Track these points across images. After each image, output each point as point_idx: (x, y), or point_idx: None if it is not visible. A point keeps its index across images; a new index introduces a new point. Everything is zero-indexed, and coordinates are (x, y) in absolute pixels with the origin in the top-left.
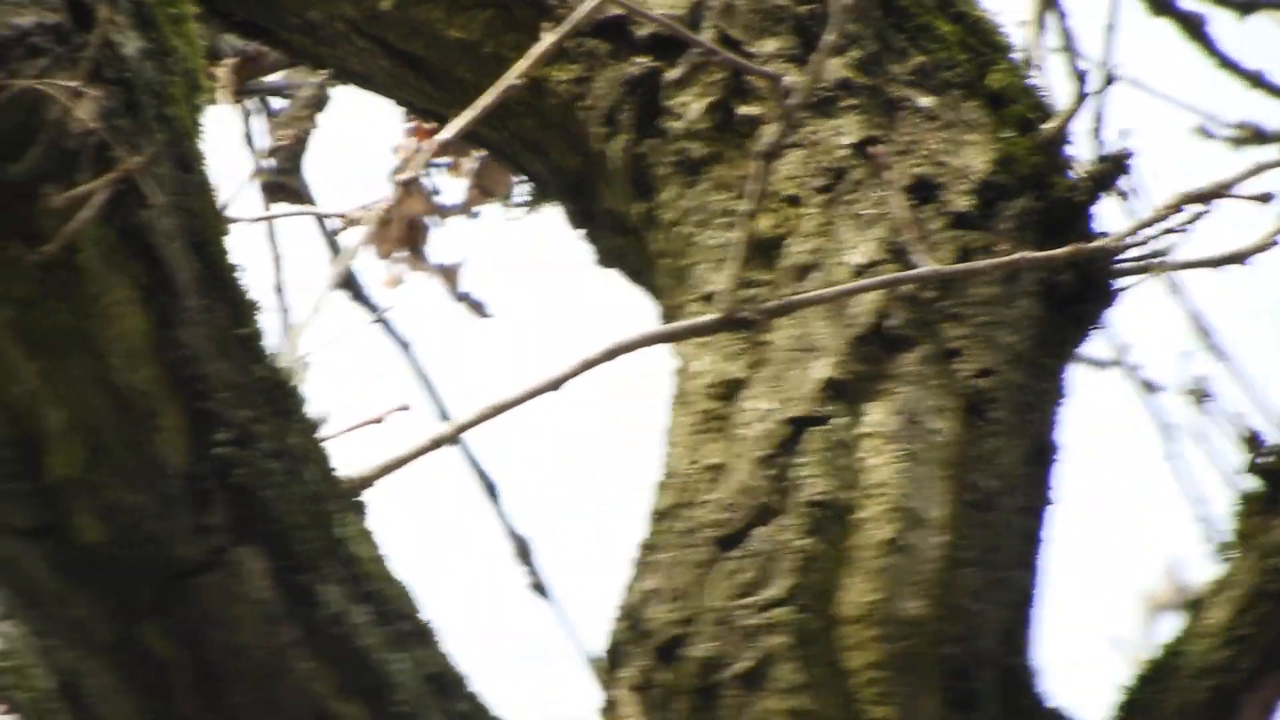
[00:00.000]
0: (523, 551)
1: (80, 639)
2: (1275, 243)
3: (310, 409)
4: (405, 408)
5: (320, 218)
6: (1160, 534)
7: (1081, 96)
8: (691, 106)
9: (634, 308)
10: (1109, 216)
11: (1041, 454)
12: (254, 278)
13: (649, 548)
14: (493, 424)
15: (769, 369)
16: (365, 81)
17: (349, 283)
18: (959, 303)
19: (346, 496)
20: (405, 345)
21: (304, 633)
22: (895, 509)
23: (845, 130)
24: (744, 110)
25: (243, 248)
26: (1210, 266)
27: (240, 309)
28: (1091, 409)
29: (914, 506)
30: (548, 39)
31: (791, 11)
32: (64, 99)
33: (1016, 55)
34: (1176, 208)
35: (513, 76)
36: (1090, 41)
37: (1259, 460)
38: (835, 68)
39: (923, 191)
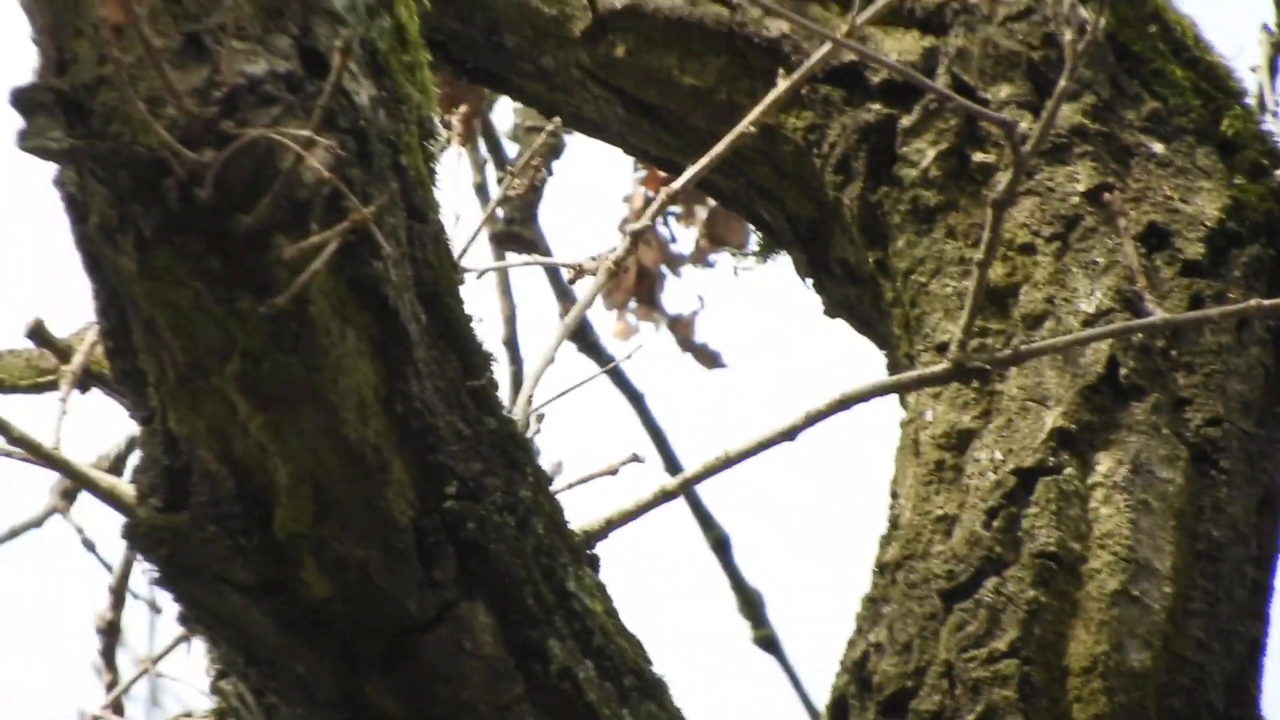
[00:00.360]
0: (751, 605)
1: (303, 697)
2: None
3: (541, 461)
4: (636, 459)
5: (552, 267)
6: None
7: None
8: (925, 153)
9: (863, 357)
10: None
11: (1271, 503)
12: (486, 328)
13: (875, 600)
14: (723, 475)
15: (999, 419)
16: (599, 129)
17: (581, 333)
18: (1189, 351)
19: (577, 550)
20: (637, 396)
21: (531, 688)
22: (1124, 559)
23: (1078, 177)
24: (978, 157)
25: (475, 298)
26: None
27: (472, 360)
28: None
29: (1142, 557)
30: (782, 86)
31: (1025, 57)
32: (296, 148)
33: (1249, 101)
34: None
35: (747, 124)
36: None
37: None
38: (1069, 114)
39: (1154, 239)
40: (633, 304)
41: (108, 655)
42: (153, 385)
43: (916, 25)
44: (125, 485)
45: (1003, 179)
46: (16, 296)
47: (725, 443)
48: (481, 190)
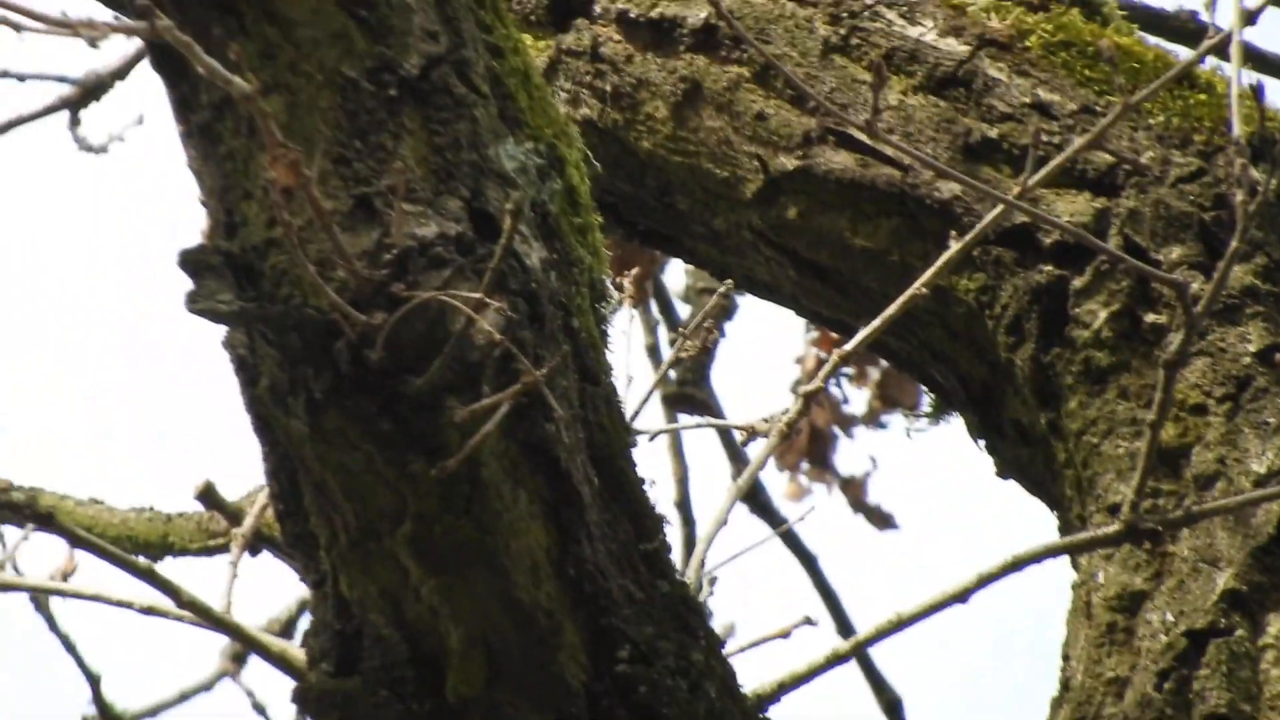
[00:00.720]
0: None
1: None
2: None
3: (714, 624)
4: (809, 621)
5: (724, 429)
6: None
7: None
8: (1097, 314)
9: (1035, 518)
10: None
11: None
12: (658, 490)
13: None
14: (895, 637)
15: (1171, 580)
16: (770, 291)
17: (753, 494)
18: None
19: (749, 713)
20: (809, 557)
21: None
22: None
23: (1249, 337)
24: (1150, 318)
25: (647, 460)
26: None
27: (644, 523)
28: None
29: None
30: (954, 247)
31: (1196, 218)
32: (467, 310)
33: None
34: None
35: (919, 285)
36: None
37: None
38: (1240, 275)
39: None
40: (805, 465)
41: None
42: (324, 549)
43: (1088, 187)
44: (296, 649)
45: (1175, 340)
46: (187, 459)
47: (897, 604)
48: (654, 352)
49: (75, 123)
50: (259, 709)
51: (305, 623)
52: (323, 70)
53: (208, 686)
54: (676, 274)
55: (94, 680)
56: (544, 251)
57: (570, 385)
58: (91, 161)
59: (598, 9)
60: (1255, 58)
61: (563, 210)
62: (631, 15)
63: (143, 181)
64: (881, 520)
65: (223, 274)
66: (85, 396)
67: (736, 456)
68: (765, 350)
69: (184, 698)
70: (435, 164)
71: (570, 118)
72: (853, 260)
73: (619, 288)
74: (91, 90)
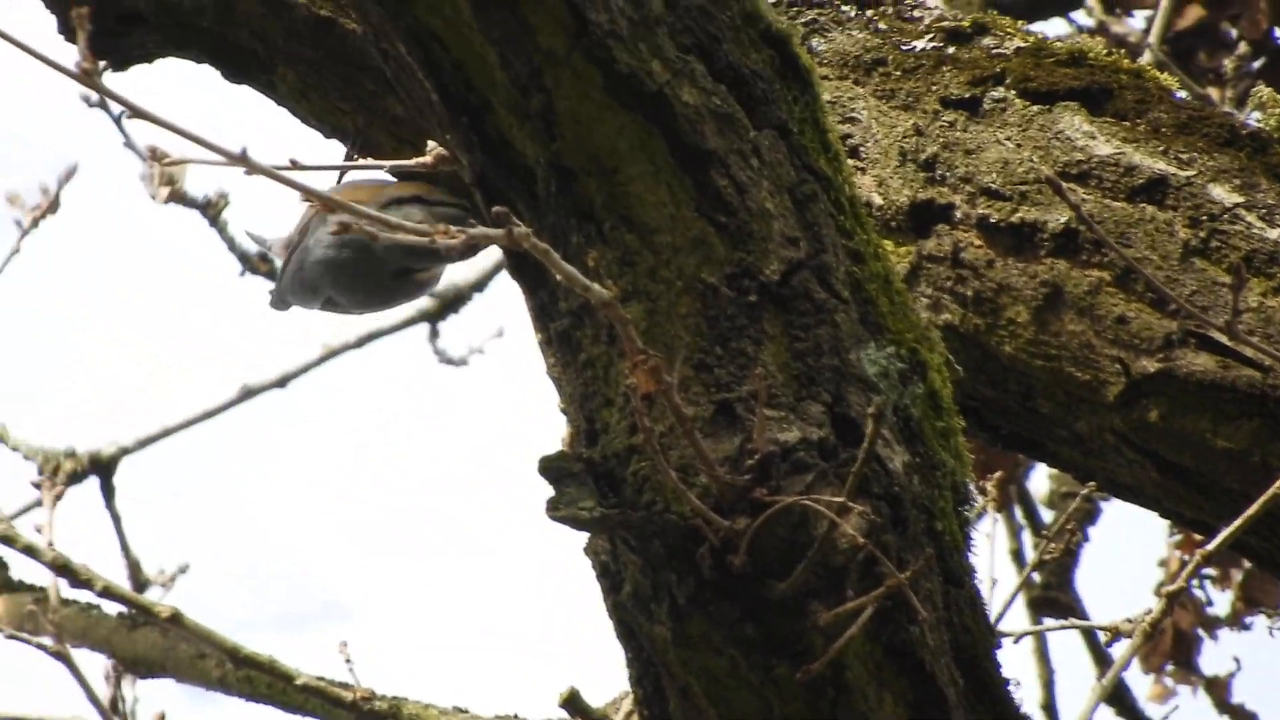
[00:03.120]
0: None
1: None
2: None
3: None
4: None
5: (1089, 631)
6: None
7: None
8: None
9: None
10: None
11: None
12: (1023, 692)
13: None
14: None
15: None
16: (1133, 493)
17: (1118, 696)
18: None
19: None
20: None
21: None
22: None
23: None
24: None
25: (1012, 662)
26: None
27: None
28: None
29: None
30: None
31: None
32: (830, 515)
33: None
34: None
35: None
36: None
37: None
38: None
39: None
40: (1169, 666)
41: None
42: None
43: None
44: None
45: None
46: (549, 664)
47: None
48: (1017, 556)
49: (434, 335)
50: None
51: None
52: (682, 276)
53: None
54: (1040, 478)
55: None
56: (906, 455)
57: (934, 588)
58: (452, 374)
59: (958, 214)
60: None
61: (925, 414)
62: (992, 220)
63: (501, 390)
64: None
65: (584, 481)
66: (448, 598)
67: (1101, 658)
68: (1128, 552)
69: None
70: (796, 369)
71: (931, 322)
72: (1214, 461)
73: (982, 491)
74: (450, 302)
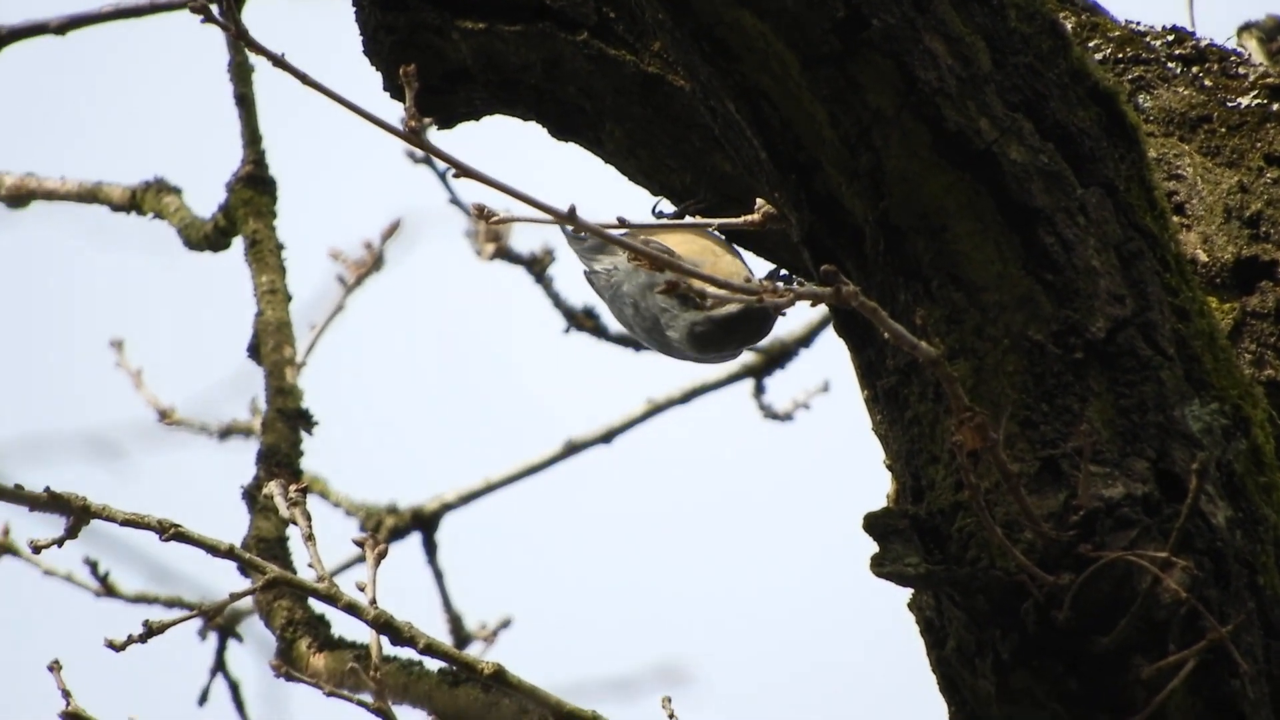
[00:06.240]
0: None
1: None
2: None
3: None
4: None
5: None
6: None
7: None
8: None
9: None
10: None
11: None
12: None
13: None
14: None
15: None
16: None
17: None
18: None
19: None
20: None
21: None
22: None
23: None
24: None
25: None
26: None
27: None
28: None
29: None
30: None
31: None
32: (1154, 570)
33: None
34: None
35: None
36: None
37: None
38: None
39: None
40: None
41: None
42: None
43: None
44: None
45: None
46: None
47: None
48: None
49: (759, 390)
50: None
51: None
52: (1009, 334)
53: None
54: None
55: None
56: (1229, 510)
57: (1255, 641)
58: (776, 429)
59: None
60: None
61: (1248, 470)
62: None
63: (826, 446)
64: None
65: (909, 537)
66: (786, 661)
67: None
68: None
69: None
70: (1121, 425)
71: (1255, 378)
72: None
73: None
74: (776, 357)
